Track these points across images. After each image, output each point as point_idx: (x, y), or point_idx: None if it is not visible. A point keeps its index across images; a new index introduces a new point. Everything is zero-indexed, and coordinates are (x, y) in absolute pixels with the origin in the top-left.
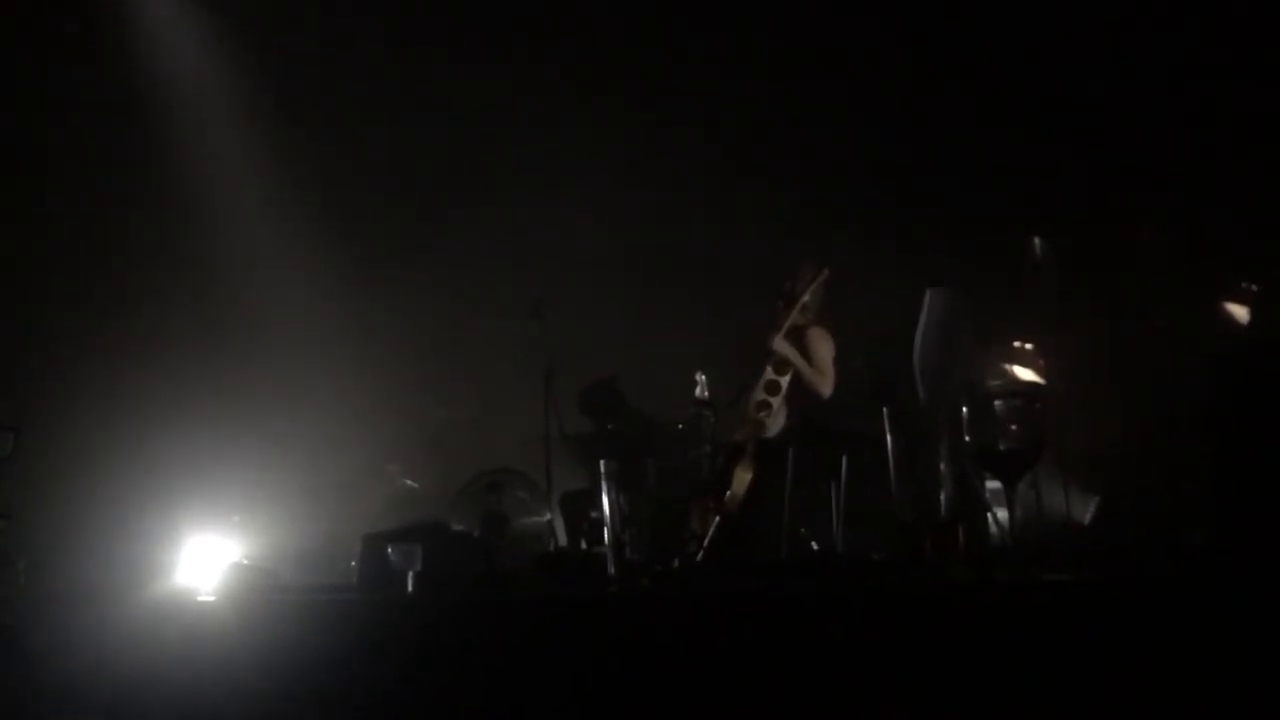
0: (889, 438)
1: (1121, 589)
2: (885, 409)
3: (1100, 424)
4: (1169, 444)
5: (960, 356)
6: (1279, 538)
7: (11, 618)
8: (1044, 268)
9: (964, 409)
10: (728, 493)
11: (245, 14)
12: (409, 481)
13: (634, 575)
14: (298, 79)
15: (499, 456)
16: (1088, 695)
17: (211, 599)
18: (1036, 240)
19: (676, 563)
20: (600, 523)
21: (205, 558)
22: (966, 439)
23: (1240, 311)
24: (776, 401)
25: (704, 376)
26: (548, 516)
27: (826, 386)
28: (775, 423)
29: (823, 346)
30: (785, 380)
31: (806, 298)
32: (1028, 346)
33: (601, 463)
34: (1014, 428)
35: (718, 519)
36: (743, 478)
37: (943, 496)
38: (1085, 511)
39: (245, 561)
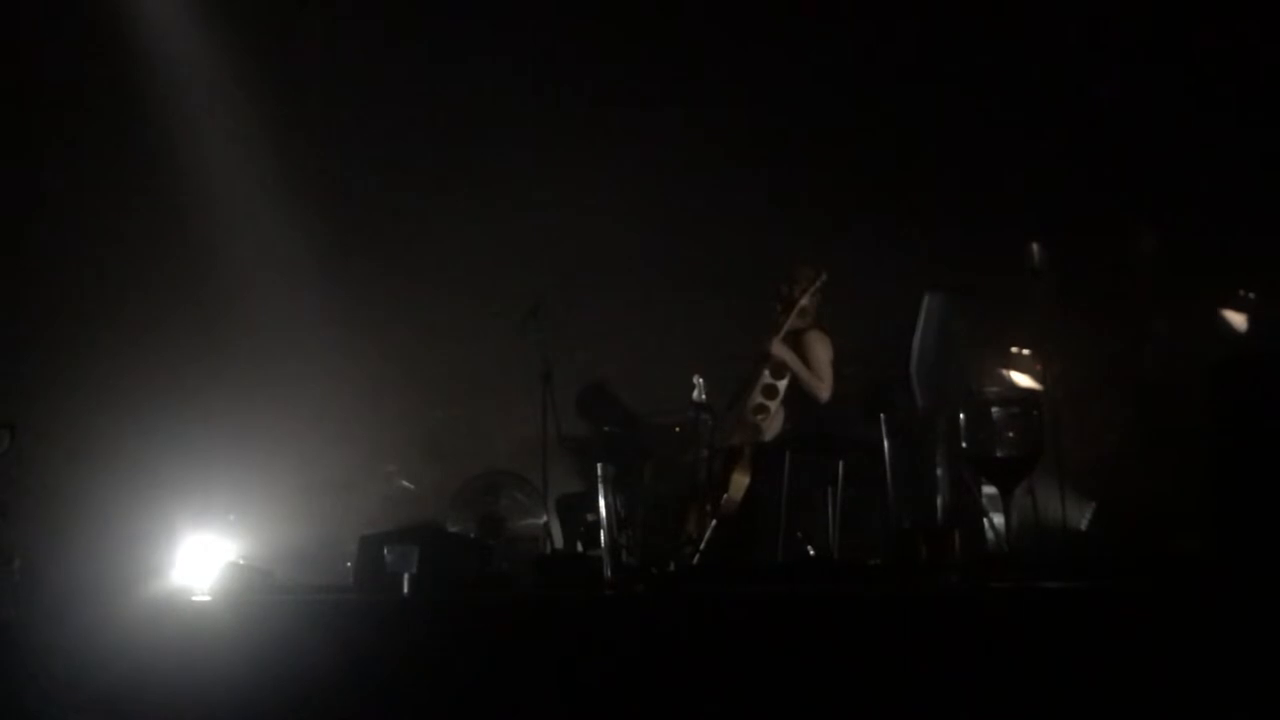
0: (886, 443)
1: (1117, 597)
2: (882, 414)
3: (1097, 430)
4: (1165, 451)
5: (958, 362)
6: (1274, 545)
7: (7, 616)
8: (1042, 274)
9: (961, 415)
10: (724, 496)
11: (245, 14)
12: (406, 482)
13: (629, 578)
14: (297, 79)
15: (496, 458)
16: (1082, 702)
17: (207, 598)
18: (1035, 246)
19: (672, 566)
20: (596, 525)
21: (201, 557)
22: (963, 445)
23: (1238, 319)
24: (774, 405)
25: (701, 380)
26: (544, 519)
27: (824, 390)
28: (772, 426)
29: (820, 350)
30: (783, 384)
31: (804, 301)
32: (1025, 352)
33: (598, 465)
34: (1011, 434)
35: (714, 522)
36: (739, 481)
37: (939, 502)
38: (1081, 518)
39: (241, 561)
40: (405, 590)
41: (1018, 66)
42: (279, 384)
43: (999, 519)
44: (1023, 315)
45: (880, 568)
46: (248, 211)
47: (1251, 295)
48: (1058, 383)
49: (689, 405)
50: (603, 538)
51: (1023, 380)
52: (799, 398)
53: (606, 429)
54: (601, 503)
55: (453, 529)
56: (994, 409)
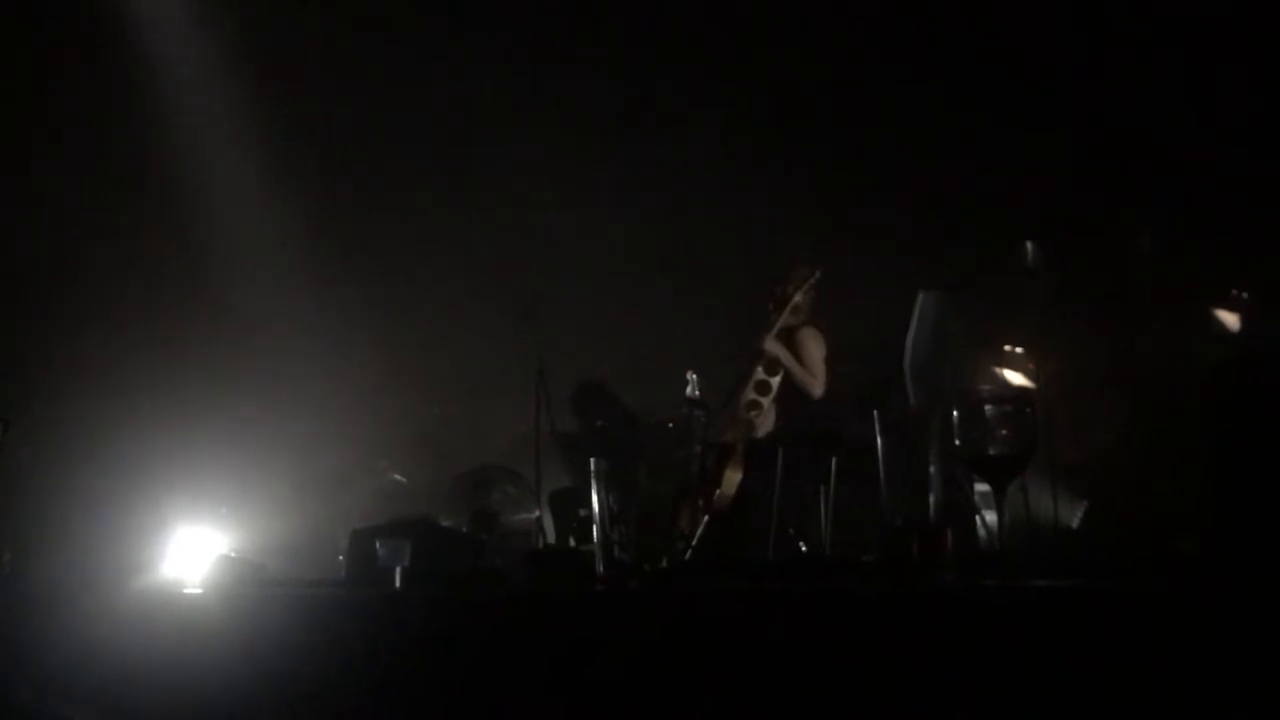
0: (879, 440)
1: (1110, 595)
2: (875, 411)
3: (1091, 429)
4: (1160, 450)
5: (951, 360)
6: (1270, 546)
7: None
8: (1037, 272)
9: (954, 412)
10: (717, 492)
11: (245, 14)
12: (398, 477)
13: (622, 574)
14: (296, 79)
15: (489, 453)
16: (1074, 701)
17: (199, 591)
18: (1029, 245)
19: (665, 562)
20: (589, 521)
21: (193, 550)
22: (956, 442)
23: (1232, 319)
24: (767, 402)
25: (695, 376)
26: (537, 514)
27: (817, 387)
28: (765, 423)
29: (814, 347)
30: (776, 381)
31: (798, 298)
32: (1019, 351)
33: (591, 461)
34: (1004, 432)
35: (706, 519)
36: (732, 478)
37: (932, 499)
38: (1074, 516)
39: (233, 554)
40: (397, 584)
41: (1015, 65)
42: (272, 377)
43: (991, 516)
44: (1018, 314)
45: (872, 564)
46: (243, 208)
47: (1245, 295)
48: (1051, 381)
49: (683, 401)
50: (595, 533)
51: (1016, 378)
52: (792, 394)
53: (600, 425)
54: (594, 498)
55: (445, 523)
56: (987, 407)
